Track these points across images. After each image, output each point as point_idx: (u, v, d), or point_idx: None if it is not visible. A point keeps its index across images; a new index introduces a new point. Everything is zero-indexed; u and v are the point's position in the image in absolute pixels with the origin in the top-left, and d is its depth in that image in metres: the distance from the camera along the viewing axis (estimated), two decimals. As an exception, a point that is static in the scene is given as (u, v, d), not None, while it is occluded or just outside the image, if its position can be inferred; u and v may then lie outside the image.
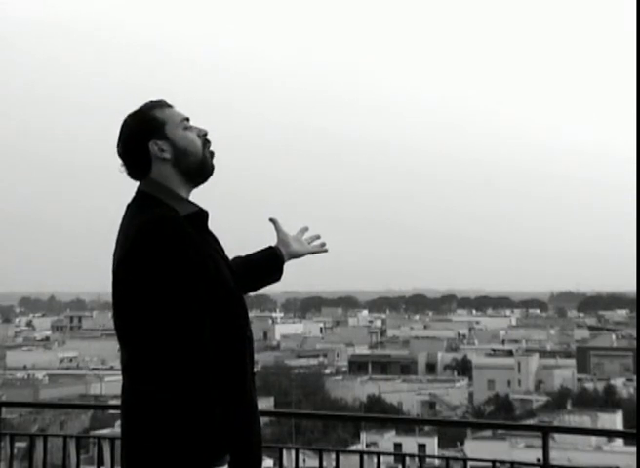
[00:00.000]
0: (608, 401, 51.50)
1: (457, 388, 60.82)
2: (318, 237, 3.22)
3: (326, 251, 3.23)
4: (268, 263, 3.02)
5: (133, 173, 2.62)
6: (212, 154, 2.65)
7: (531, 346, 76.03)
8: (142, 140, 2.57)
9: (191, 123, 2.66)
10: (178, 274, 2.38)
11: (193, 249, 2.42)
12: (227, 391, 2.42)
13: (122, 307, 2.46)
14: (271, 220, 3.11)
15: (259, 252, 3.05)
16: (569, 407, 49.55)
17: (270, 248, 3.07)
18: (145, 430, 2.37)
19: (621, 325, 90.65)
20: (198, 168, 2.61)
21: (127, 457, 2.43)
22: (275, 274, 3.06)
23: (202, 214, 2.59)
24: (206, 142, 2.64)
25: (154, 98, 2.67)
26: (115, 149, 2.63)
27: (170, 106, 2.64)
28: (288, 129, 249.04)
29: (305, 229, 3.21)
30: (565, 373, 62.26)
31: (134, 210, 2.55)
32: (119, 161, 2.64)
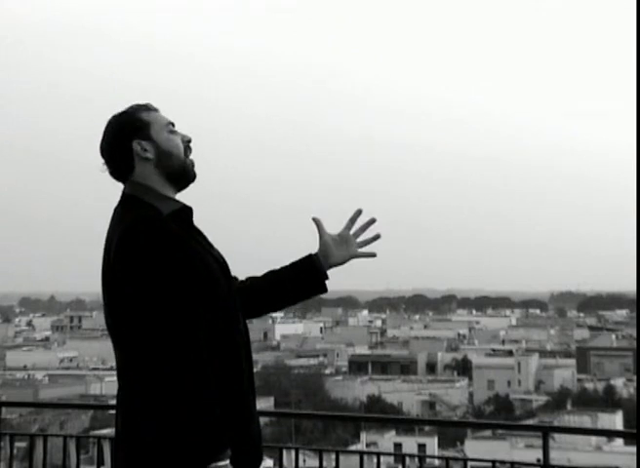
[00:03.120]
0: (608, 401, 51.56)
1: (457, 388, 60.85)
2: (372, 222, 2.87)
3: (374, 255, 2.90)
4: (304, 277, 2.81)
5: (115, 172, 2.64)
6: (192, 163, 2.64)
7: (531, 346, 76.04)
8: (126, 139, 2.59)
9: (178, 128, 2.67)
10: (164, 274, 2.38)
11: (177, 247, 2.43)
12: (224, 387, 2.43)
13: (113, 309, 2.47)
14: (314, 220, 2.86)
15: (294, 264, 2.84)
16: (569, 407, 49.61)
17: (309, 257, 2.85)
18: (144, 429, 2.36)
19: (621, 325, 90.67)
20: (179, 171, 2.62)
21: (125, 457, 2.43)
22: (314, 289, 2.84)
23: (186, 211, 2.59)
24: (187, 149, 2.64)
25: (140, 102, 2.68)
26: (98, 148, 2.65)
27: (156, 110, 2.67)
28: (287, 127, 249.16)
29: (358, 215, 2.87)
30: (565, 373, 62.32)
31: (119, 213, 2.56)
32: (101, 160, 2.65)
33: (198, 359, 2.35)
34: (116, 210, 2.58)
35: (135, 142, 2.58)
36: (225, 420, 2.38)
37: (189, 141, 2.66)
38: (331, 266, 2.84)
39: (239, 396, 2.50)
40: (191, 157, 2.65)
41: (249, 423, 2.52)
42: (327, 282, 2.85)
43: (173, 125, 2.66)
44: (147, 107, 2.66)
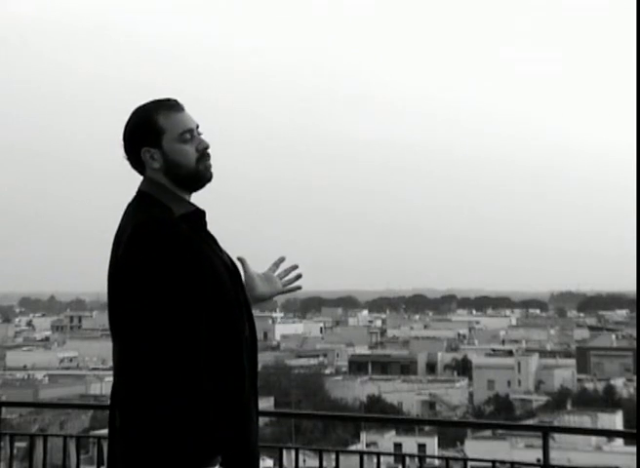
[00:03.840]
0: (608, 401, 51.56)
1: (457, 388, 60.86)
2: (294, 268, 2.99)
3: (299, 288, 3.00)
4: None
5: (131, 166, 2.66)
6: (207, 167, 2.62)
7: (531, 346, 76.02)
8: (136, 145, 2.59)
9: (201, 129, 2.64)
10: (170, 275, 2.38)
11: (186, 249, 2.43)
12: (223, 391, 2.42)
13: (116, 307, 2.47)
14: (239, 259, 2.83)
15: None
16: (569, 407, 49.62)
17: None
18: (136, 428, 2.37)
19: (621, 325, 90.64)
20: (189, 181, 2.61)
21: (123, 457, 2.43)
22: None
23: (198, 214, 2.59)
24: (203, 156, 2.61)
25: (168, 96, 2.65)
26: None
27: (179, 110, 2.61)
28: (287, 128, 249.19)
29: (281, 261, 2.98)
30: (565, 373, 62.33)
31: (132, 209, 2.57)
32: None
33: (196, 362, 2.35)
34: (130, 205, 2.59)
35: (144, 150, 2.58)
36: (219, 425, 2.38)
37: (206, 148, 2.62)
38: (256, 300, 2.83)
39: (239, 400, 2.48)
40: (209, 162, 2.62)
41: (247, 428, 2.50)
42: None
43: (191, 131, 2.61)
44: (170, 106, 2.61)
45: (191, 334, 2.37)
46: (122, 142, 2.63)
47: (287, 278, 2.97)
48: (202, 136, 2.64)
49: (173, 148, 2.58)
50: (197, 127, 2.64)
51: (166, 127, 2.58)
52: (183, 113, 2.62)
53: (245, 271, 2.83)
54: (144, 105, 2.62)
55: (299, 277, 3.00)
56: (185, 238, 2.45)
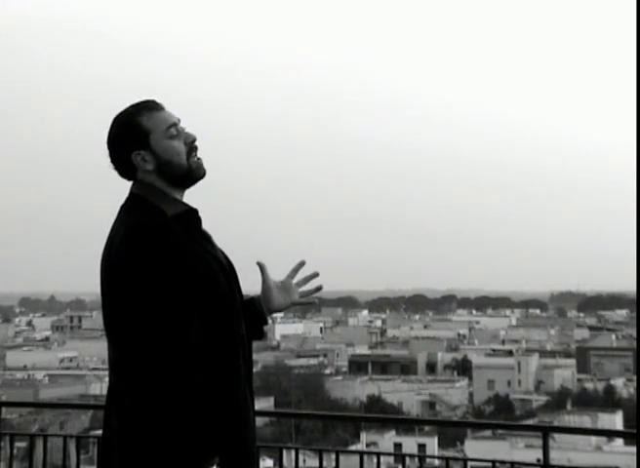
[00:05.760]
0: (608, 401, 51.61)
1: (457, 388, 60.93)
2: (315, 276, 2.82)
3: (316, 301, 2.86)
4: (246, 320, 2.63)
5: (120, 174, 2.64)
6: (199, 163, 2.61)
7: (531, 346, 76.09)
8: (125, 150, 2.57)
9: (183, 124, 2.62)
10: (162, 277, 2.38)
11: (177, 250, 2.42)
12: (219, 391, 2.41)
13: (111, 308, 2.47)
14: (259, 264, 2.74)
15: None
16: (569, 407, 49.66)
17: (250, 301, 2.75)
18: (133, 429, 2.38)
19: (621, 325, 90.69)
20: (182, 177, 2.59)
21: (118, 455, 2.42)
22: (253, 333, 2.69)
23: (191, 214, 2.59)
24: (192, 150, 2.60)
25: (145, 98, 2.63)
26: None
27: (159, 109, 2.60)
28: (287, 128, 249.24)
29: (300, 266, 2.82)
30: (565, 373, 62.37)
31: (124, 212, 2.56)
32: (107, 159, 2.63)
33: (191, 362, 2.35)
34: (122, 207, 2.58)
35: (134, 154, 2.56)
36: (216, 425, 2.38)
37: (193, 141, 2.61)
38: (270, 311, 2.76)
39: (235, 399, 2.46)
40: (199, 155, 2.61)
41: (244, 428, 2.47)
42: (265, 327, 2.79)
43: (175, 125, 2.59)
44: (150, 107, 2.59)
45: (185, 335, 2.37)
46: (108, 151, 2.60)
47: (306, 289, 2.83)
48: (187, 130, 2.62)
49: (162, 146, 2.56)
50: (179, 121, 2.62)
51: (150, 127, 2.56)
52: (164, 111, 2.61)
53: (263, 280, 2.75)
54: (124, 111, 2.60)
55: (319, 289, 2.83)
56: (177, 239, 2.44)
